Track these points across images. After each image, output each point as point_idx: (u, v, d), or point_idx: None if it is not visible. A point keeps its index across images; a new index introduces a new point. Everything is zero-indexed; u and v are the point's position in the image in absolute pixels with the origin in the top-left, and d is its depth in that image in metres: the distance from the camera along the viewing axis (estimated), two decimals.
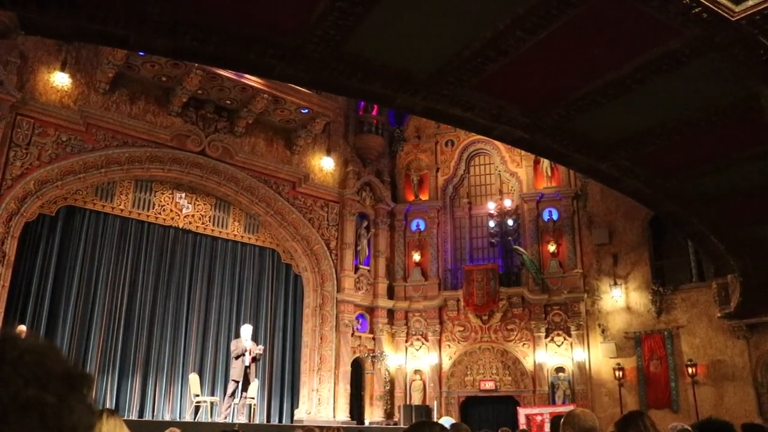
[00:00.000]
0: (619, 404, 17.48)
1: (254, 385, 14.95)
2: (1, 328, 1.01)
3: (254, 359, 14.33)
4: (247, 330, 14.55)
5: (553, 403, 17.92)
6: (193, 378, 14.93)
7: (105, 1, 5.47)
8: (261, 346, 14.97)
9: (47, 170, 14.53)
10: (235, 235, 18.27)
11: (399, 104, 7.74)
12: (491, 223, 19.68)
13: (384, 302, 19.95)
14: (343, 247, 19.40)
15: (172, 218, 17.05)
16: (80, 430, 0.81)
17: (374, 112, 20.69)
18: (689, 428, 5.73)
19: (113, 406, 14.72)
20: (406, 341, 20.07)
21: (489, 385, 19.08)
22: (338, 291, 18.91)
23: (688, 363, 17.07)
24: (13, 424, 0.74)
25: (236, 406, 14.26)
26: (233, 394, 14.14)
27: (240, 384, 14.10)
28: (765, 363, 16.43)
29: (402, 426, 16.58)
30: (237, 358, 14.07)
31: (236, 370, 14.06)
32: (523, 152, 18.87)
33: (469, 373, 19.44)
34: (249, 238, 18.56)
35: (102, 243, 15.80)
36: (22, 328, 12.00)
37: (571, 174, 19.43)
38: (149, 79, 16.15)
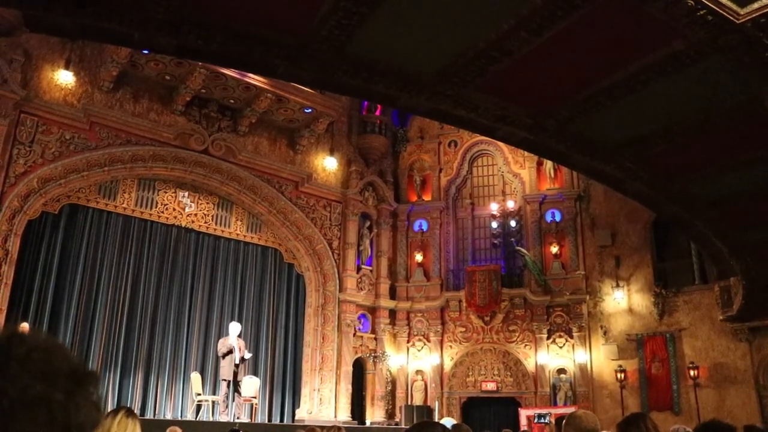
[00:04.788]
0: (621, 406, 17.47)
1: (253, 384, 14.91)
2: (5, 326, 1.01)
3: (242, 359, 14.14)
4: (234, 327, 14.40)
5: (555, 404, 17.91)
6: (195, 377, 14.93)
7: None
8: (250, 354, 14.73)
9: (50, 168, 14.56)
10: (237, 234, 18.29)
11: (402, 104, 7.73)
12: (494, 224, 19.71)
13: (386, 302, 19.95)
14: (345, 247, 19.40)
15: (175, 217, 17.07)
16: (87, 427, 0.81)
17: (377, 112, 20.71)
18: (690, 431, 5.72)
19: (115, 404, 14.73)
20: (408, 341, 20.08)
21: (490, 386, 19.08)
22: (340, 291, 18.92)
23: (690, 365, 17.06)
24: (21, 421, 0.74)
25: (234, 405, 14.21)
26: (227, 394, 14.07)
27: (231, 383, 14.00)
28: (767, 366, 16.40)
29: (403, 426, 16.57)
30: (224, 356, 13.94)
31: (225, 369, 13.92)
32: (526, 153, 18.88)
33: (470, 373, 19.44)
34: (251, 238, 18.57)
35: (105, 241, 15.82)
36: (25, 325, 12.00)
37: (574, 175, 19.44)
38: (153, 78, 16.18)
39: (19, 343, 0.80)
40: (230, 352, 13.88)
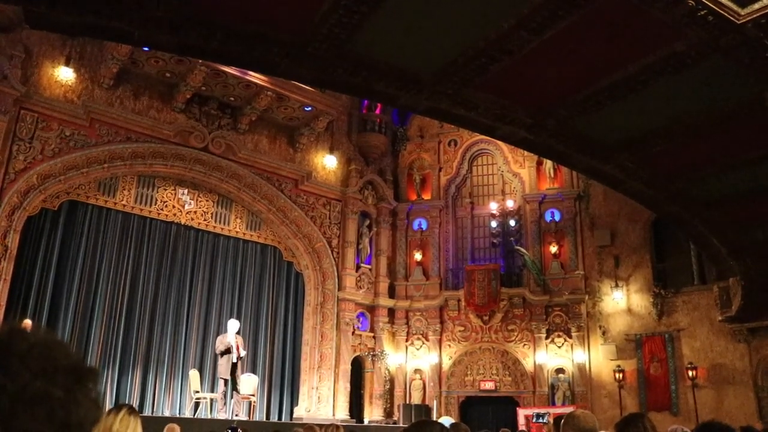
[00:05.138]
0: (619, 406, 17.48)
1: (251, 382, 14.90)
2: (5, 322, 1.01)
3: (238, 357, 14.11)
4: (233, 325, 14.35)
5: (553, 404, 17.91)
6: (193, 374, 14.94)
7: None
8: (244, 352, 14.67)
9: (50, 164, 14.55)
10: (237, 232, 18.28)
11: (403, 103, 7.74)
12: (493, 224, 19.69)
13: (385, 301, 19.95)
14: (344, 245, 19.40)
15: (174, 214, 17.07)
16: (86, 423, 0.81)
17: (377, 111, 20.70)
18: (688, 431, 5.73)
19: (113, 401, 14.74)
20: (407, 340, 20.08)
21: (489, 385, 19.09)
22: (339, 289, 18.92)
23: (689, 366, 17.06)
24: (21, 417, 0.74)
25: (233, 403, 14.20)
26: (224, 392, 14.04)
27: (229, 381, 13.96)
28: (765, 367, 16.40)
29: (401, 425, 16.58)
30: (222, 354, 13.89)
31: (223, 367, 13.86)
32: (525, 153, 18.87)
33: (469, 373, 19.44)
34: (251, 235, 18.57)
35: (104, 238, 15.80)
36: (28, 322, 12.00)
37: (574, 175, 19.43)
38: (153, 75, 16.16)
39: (19, 339, 0.80)
40: (228, 350, 13.84)
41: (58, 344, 0.83)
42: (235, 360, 13.84)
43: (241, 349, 14.13)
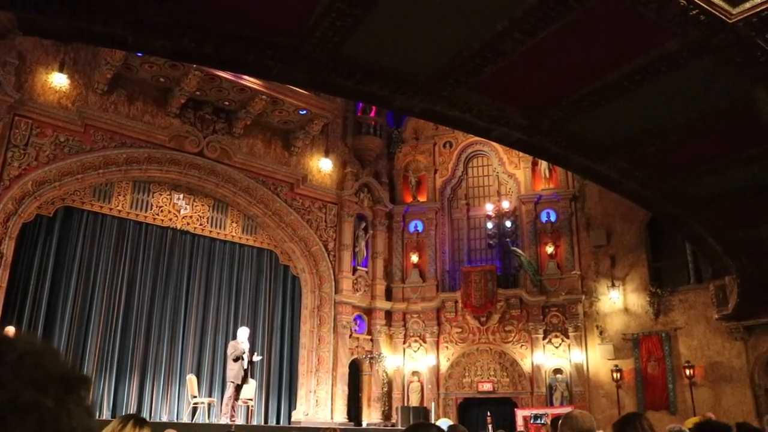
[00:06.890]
0: (617, 406, 17.49)
1: (251, 386, 14.88)
2: None
3: (250, 362, 14.18)
4: (244, 332, 14.41)
5: (551, 404, 17.92)
6: (191, 379, 14.90)
7: (103, 1, 5.46)
8: (260, 357, 14.78)
9: (45, 171, 14.51)
10: (233, 237, 18.26)
11: (397, 106, 7.74)
12: (489, 225, 19.72)
13: (382, 303, 19.94)
14: (341, 248, 19.39)
15: (170, 219, 17.04)
16: None
17: (372, 114, 20.70)
18: (686, 430, 5.73)
19: (111, 407, 14.71)
20: (404, 343, 20.07)
21: (487, 386, 19.09)
22: (336, 292, 18.91)
23: (686, 364, 17.10)
24: (11, 427, 0.74)
25: (235, 407, 14.19)
26: (231, 396, 14.04)
27: (236, 385, 13.98)
28: (762, 364, 16.45)
29: (399, 427, 16.57)
30: (235, 360, 13.94)
31: (234, 372, 13.92)
32: (521, 154, 18.89)
33: (466, 374, 19.44)
34: (247, 240, 18.55)
35: (100, 244, 15.77)
36: (10, 329, 11.86)
37: (569, 176, 19.47)
38: (147, 80, 16.14)
39: (9, 348, 0.79)
40: (241, 356, 13.82)
41: (48, 352, 0.83)
42: (246, 366, 13.86)
43: (254, 355, 14.19)
